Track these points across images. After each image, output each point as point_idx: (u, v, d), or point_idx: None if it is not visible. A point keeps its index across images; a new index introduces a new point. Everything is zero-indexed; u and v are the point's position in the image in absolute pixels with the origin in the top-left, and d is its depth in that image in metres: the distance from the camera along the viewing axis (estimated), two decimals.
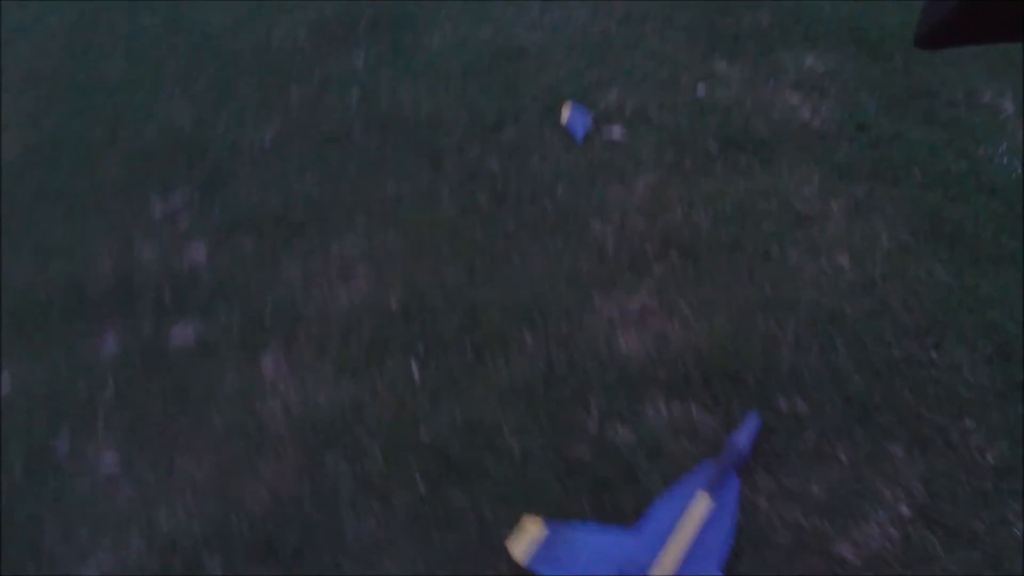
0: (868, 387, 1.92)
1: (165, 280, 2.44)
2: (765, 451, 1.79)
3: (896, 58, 3.14)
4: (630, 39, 3.26)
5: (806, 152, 2.65)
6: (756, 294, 2.17)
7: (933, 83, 3.01)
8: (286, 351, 2.16)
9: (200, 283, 2.41)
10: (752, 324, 2.08)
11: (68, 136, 3.17)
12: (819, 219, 2.40)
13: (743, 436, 1.76)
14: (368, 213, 2.55)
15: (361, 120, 2.93)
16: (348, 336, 2.15)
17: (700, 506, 1.67)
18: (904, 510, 1.67)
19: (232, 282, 2.39)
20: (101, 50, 3.76)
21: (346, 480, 1.86)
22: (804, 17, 3.36)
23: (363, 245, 2.44)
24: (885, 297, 2.15)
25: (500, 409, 1.92)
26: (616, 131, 2.71)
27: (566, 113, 2.75)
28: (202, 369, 2.16)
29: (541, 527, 1.64)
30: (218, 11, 3.94)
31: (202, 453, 1.97)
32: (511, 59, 3.18)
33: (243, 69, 3.39)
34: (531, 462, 1.81)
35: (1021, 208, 2.50)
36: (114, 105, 3.32)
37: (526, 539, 1.62)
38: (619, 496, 1.74)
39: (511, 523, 1.72)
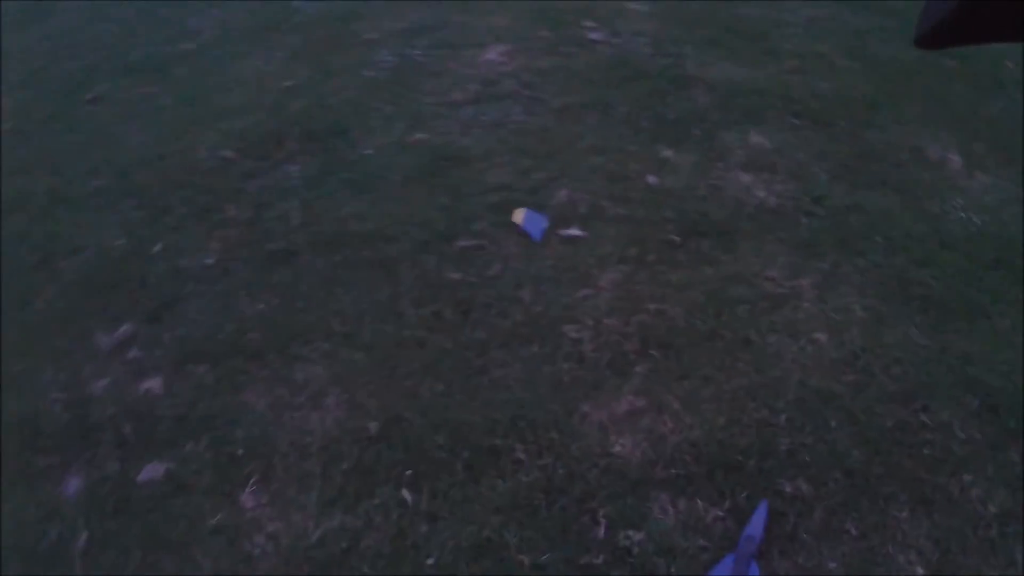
0: (866, 459, 2.33)
1: (122, 414, 2.67)
2: (777, 535, 2.16)
3: (838, 124, 3.72)
4: (571, 133, 3.76)
5: (767, 232, 3.13)
6: (742, 381, 2.58)
7: (878, 145, 3.58)
8: (265, 485, 2.44)
9: (161, 416, 2.66)
10: (743, 411, 2.48)
11: None
12: (791, 298, 2.85)
13: (755, 525, 2.13)
14: (328, 333, 2.87)
15: (306, 236, 3.27)
16: (329, 465, 2.45)
17: None
18: (919, 571, 2.06)
19: (195, 414, 2.65)
20: (24, 170, 4.04)
21: None
22: (740, 94, 3.94)
23: (329, 368, 2.75)
24: (868, 367, 2.59)
25: (504, 526, 2.24)
26: (574, 229, 3.12)
27: (519, 216, 3.16)
28: (178, 507, 2.39)
29: None
30: (140, 127, 4.33)
31: None
32: (452, 163, 3.60)
33: (173, 187, 3.71)
34: None
35: (984, 261, 3.02)
36: (43, 230, 3.59)
37: None
38: None
39: None
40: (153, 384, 2.75)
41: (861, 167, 3.49)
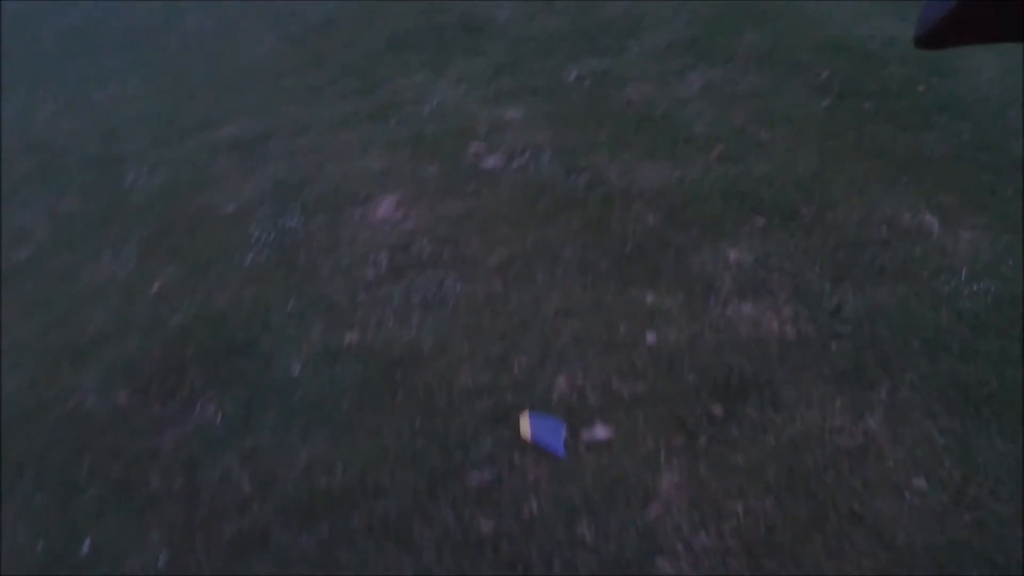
0: None
1: None
2: None
3: (801, 212, 3.45)
4: (528, 297, 3.33)
5: (804, 371, 2.79)
6: (871, 564, 2.22)
7: (851, 227, 3.35)
8: None
9: None
10: None
11: None
12: (869, 447, 2.51)
13: None
14: None
15: (269, 506, 2.69)
16: None
17: None
18: None
19: None
20: None
21: None
22: (686, 202, 3.63)
23: None
24: (977, 499, 2.34)
25: None
26: (598, 429, 2.68)
27: (526, 426, 2.69)
28: None
29: None
30: (5, 368, 3.72)
31: None
32: (407, 367, 3.11)
33: (70, 454, 3.13)
34: None
35: (1015, 334, 2.80)
36: None
37: None
38: None
39: None
40: None
41: (852, 259, 3.23)
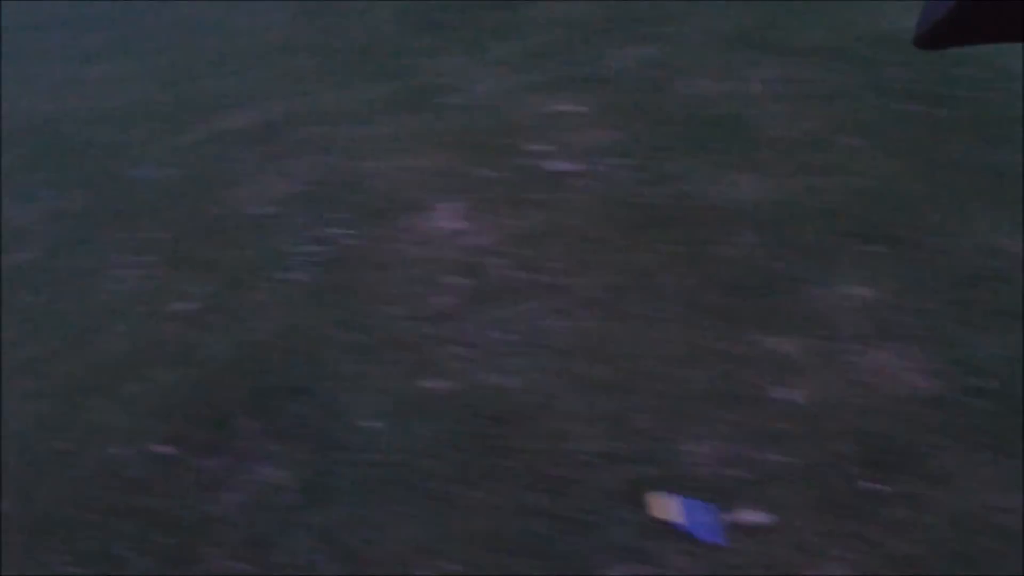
0: None
1: None
2: None
3: (909, 240, 3.22)
4: (630, 336, 2.97)
5: (955, 440, 2.47)
6: None
7: (963, 257, 3.10)
8: None
9: None
10: None
11: None
12: None
13: None
14: None
15: None
16: None
17: None
18: None
19: None
20: None
21: None
22: (785, 222, 3.33)
23: None
24: None
25: None
26: (746, 510, 2.33)
27: (662, 506, 2.33)
28: None
29: None
30: (16, 404, 3.28)
31: None
32: (505, 423, 2.74)
33: (108, 517, 2.67)
34: None
35: None
36: None
37: None
38: None
39: None
40: None
41: (977, 299, 2.95)
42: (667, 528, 2.32)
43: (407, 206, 3.84)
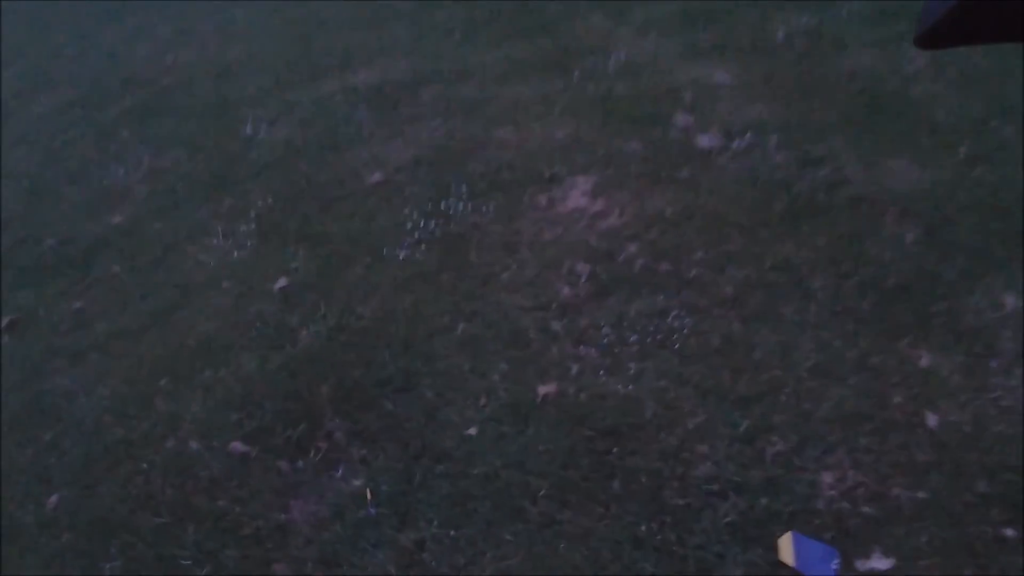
0: None
1: None
2: None
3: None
4: (778, 345, 2.77)
5: None
6: None
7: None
8: None
9: None
10: None
11: None
12: None
13: None
14: None
15: None
16: None
17: None
18: None
19: None
20: None
21: None
22: (948, 221, 3.06)
23: None
24: None
25: None
26: (875, 556, 2.16)
27: (788, 550, 2.19)
28: None
29: None
30: (80, 376, 3.38)
31: None
32: (623, 439, 2.58)
33: (178, 515, 2.61)
34: None
35: None
36: None
37: None
38: None
39: None
40: None
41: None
42: (788, 572, 2.12)
43: (538, 179, 3.67)
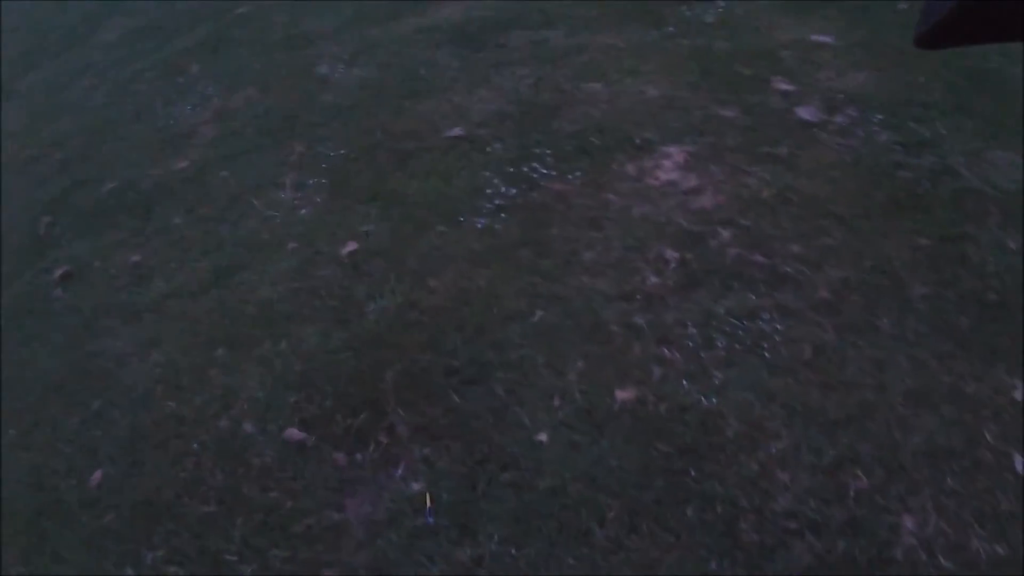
0: None
1: None
2: None
3: None
4: (873, 362, 2.61)
5: None
6: None
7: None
8: None
9: None
10: None
11: None
12: None
13: None
14: None
15: None
16: None
17: None
18: None
19: None
20: None
21: None
22: None
23: None
24: None
25: None
26: None
27: None
28: None
29: None
30: (129, 338, 3.24)
31: None
32: (701, 458, 2.44)
33: (222, 511, 2.53)
34: None
35: None
36: None
37: None
38: None
39: None
40: None
41: None
42: None
43: (628, 145, 3.50)
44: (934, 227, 2.98)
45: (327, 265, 3.30)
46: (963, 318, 2.66)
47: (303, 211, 3.62)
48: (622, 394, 2.59)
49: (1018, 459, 2.29)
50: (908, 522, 2.19)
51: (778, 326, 2.71)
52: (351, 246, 3.37)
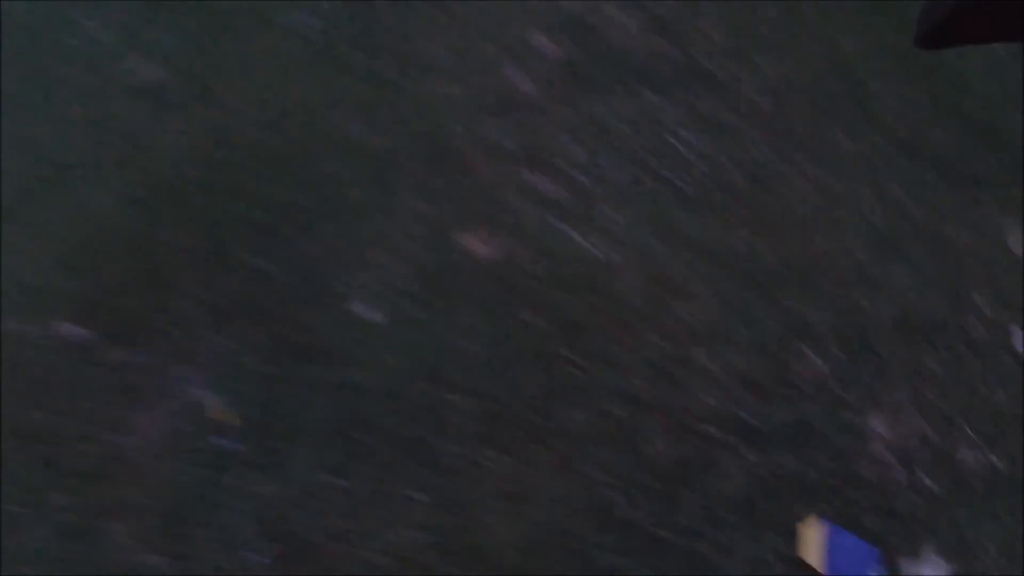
0: None
1: None
2: None
3: None
4: None
5: None
6: None
7: None
8: None
9: None
10: None
11: None
12: None
13: None
14: None
15: None
16: None
17: None
18: None
19: None
20: None
21: None
22: None
23: None
24: None
25: None
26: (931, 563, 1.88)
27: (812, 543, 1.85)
28: None
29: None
30: None
31: None
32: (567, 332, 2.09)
33: None
34: None
35: None
36: None
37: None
38: None
39: None
40: None
41: None
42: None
43: None
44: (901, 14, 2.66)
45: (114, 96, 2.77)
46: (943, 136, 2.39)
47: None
48: (480, 247, 2.21)
49: (1017, 333, 2.09)
50: (877, 425, 1.98)
51: (695, 144, 2.32)
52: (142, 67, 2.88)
